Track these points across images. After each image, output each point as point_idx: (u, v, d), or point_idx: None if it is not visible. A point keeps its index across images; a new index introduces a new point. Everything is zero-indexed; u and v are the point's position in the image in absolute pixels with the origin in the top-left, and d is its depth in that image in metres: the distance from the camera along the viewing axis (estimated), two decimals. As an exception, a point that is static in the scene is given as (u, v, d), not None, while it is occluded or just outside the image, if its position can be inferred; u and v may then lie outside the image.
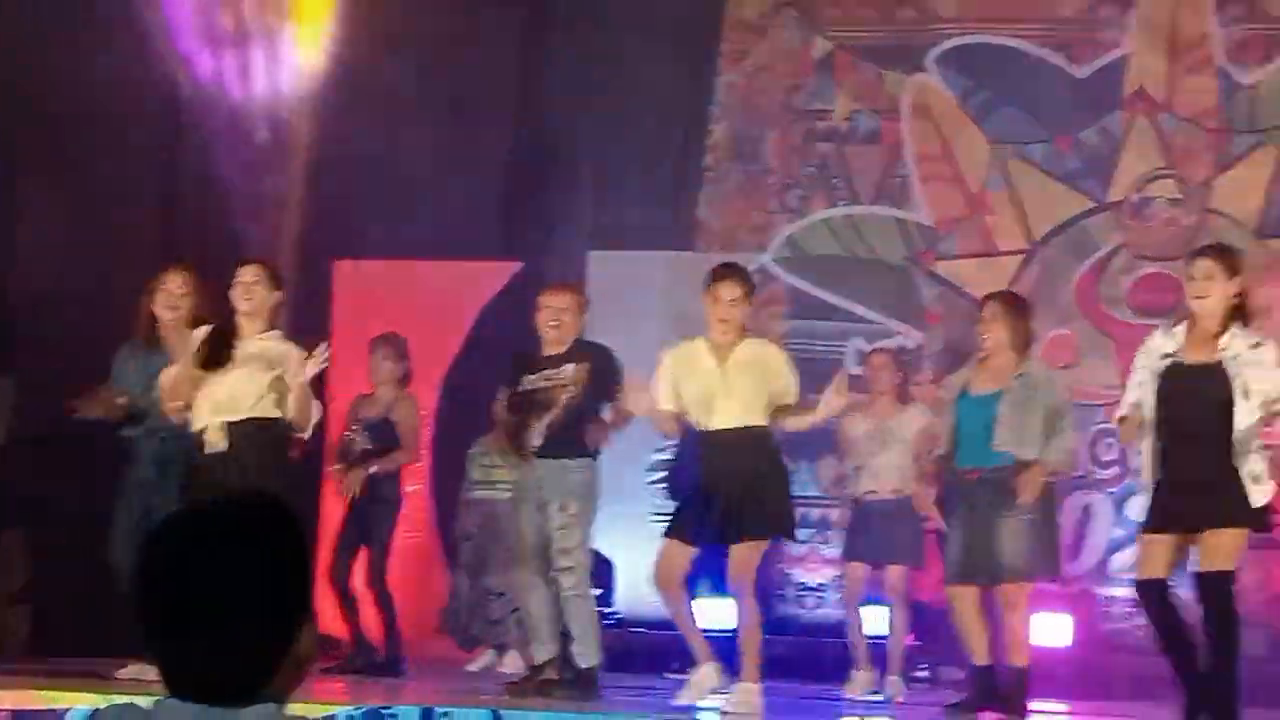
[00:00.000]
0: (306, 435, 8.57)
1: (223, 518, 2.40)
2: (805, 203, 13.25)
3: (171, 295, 8.71)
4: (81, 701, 6.53)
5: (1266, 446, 7.74)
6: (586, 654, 8.47)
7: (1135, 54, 12.87)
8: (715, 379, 8.19)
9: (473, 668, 10.73)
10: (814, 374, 11.12)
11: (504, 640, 10.72)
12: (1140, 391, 7.75)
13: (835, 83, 13.27)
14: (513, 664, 10.40)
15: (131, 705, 2.41)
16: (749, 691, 8.05)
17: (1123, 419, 7.92)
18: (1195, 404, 7.54)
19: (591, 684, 8.45)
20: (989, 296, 9.19)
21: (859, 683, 9.76)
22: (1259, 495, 7.46)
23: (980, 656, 8.64)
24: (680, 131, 13.37)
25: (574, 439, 8.52)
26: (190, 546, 2.36)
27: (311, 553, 2.46)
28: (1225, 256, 7.80)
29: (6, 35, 10.73)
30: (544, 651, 8.49)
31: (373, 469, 9.91)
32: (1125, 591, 11.69)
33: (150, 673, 7.97)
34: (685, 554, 8.28)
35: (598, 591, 12.02)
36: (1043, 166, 12.94)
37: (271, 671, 2.37)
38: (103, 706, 2.43)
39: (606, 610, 11.90)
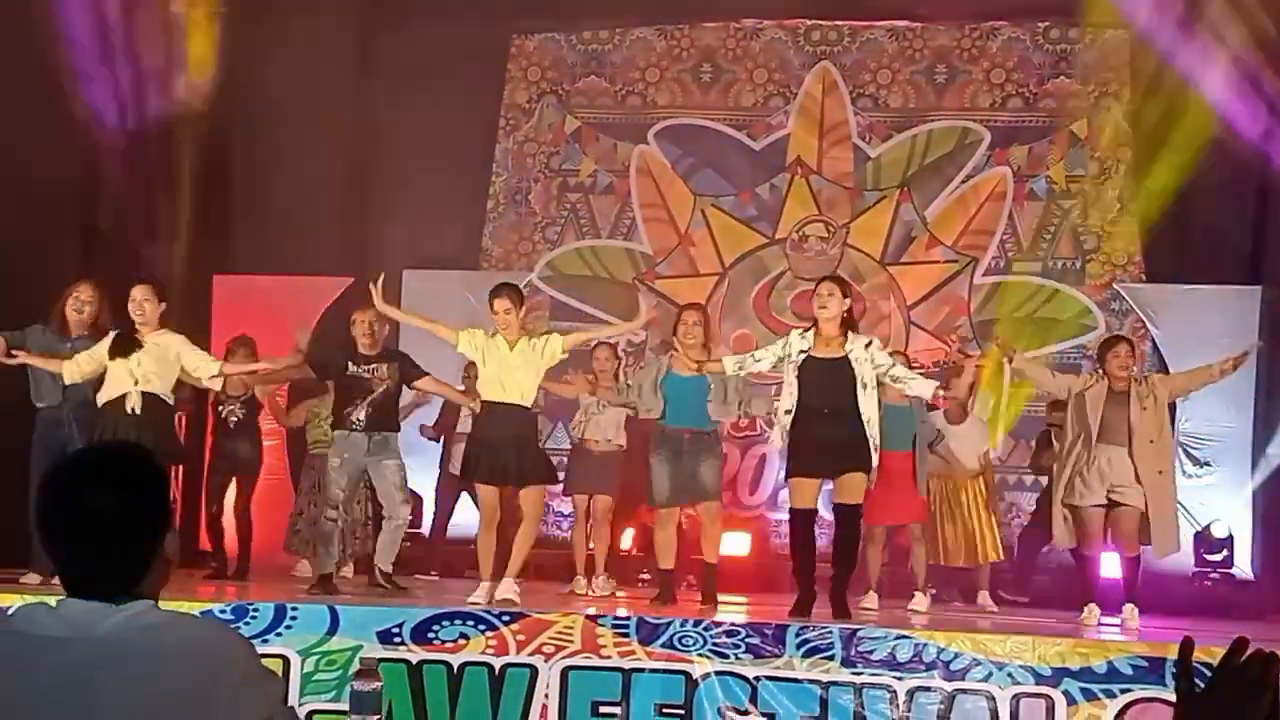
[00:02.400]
0: (214, 384, 8.71)
1: (100, 459, 2.39)
2: (560, 236, 13.28)
3: (79, 300, 8.58)
4: (16, 600, 6.37)
5: None
6: (387, 562, 8.66)
7: (795, 133, 13.08)
8: (506, 364, 8.19)
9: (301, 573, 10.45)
10: (569, 360, 11.21)
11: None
12: (768, 357, 8.01)
13: (582, 150, 13.31)
14: (347, 572, 10.28)
15: (43, 603, 2.38)
16: (509, 584, 8.08)
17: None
18: (826, 385, 7.73)
19: (394, 581, 8.54)
20: (692, 306, 9.28)
21: (579, 585, 9.66)
22: (874, 454, 7.72)
23: (668, 562, 8.78)
24: (471, 184, 13.33)
25: (389, 417, 8.57)
26: (77, 479, 2.35)
27: (168, 484, 2.44)
28: (841, 283, 8.01)
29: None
30: (328, 566, 8.56)
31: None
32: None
33: (35, 578, 7.89)
34: (497, 494, 8.28)
35: (410, 517, 11.98)
36: (731, 213, 13.09)
37: (143, 572, 2.36)
38: (20, 604, 2.39)
39: (416, 530, 11.81)
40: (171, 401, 8.48)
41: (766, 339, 12.38)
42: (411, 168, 12.72)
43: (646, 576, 10.75)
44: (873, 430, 7.71)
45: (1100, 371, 8.93)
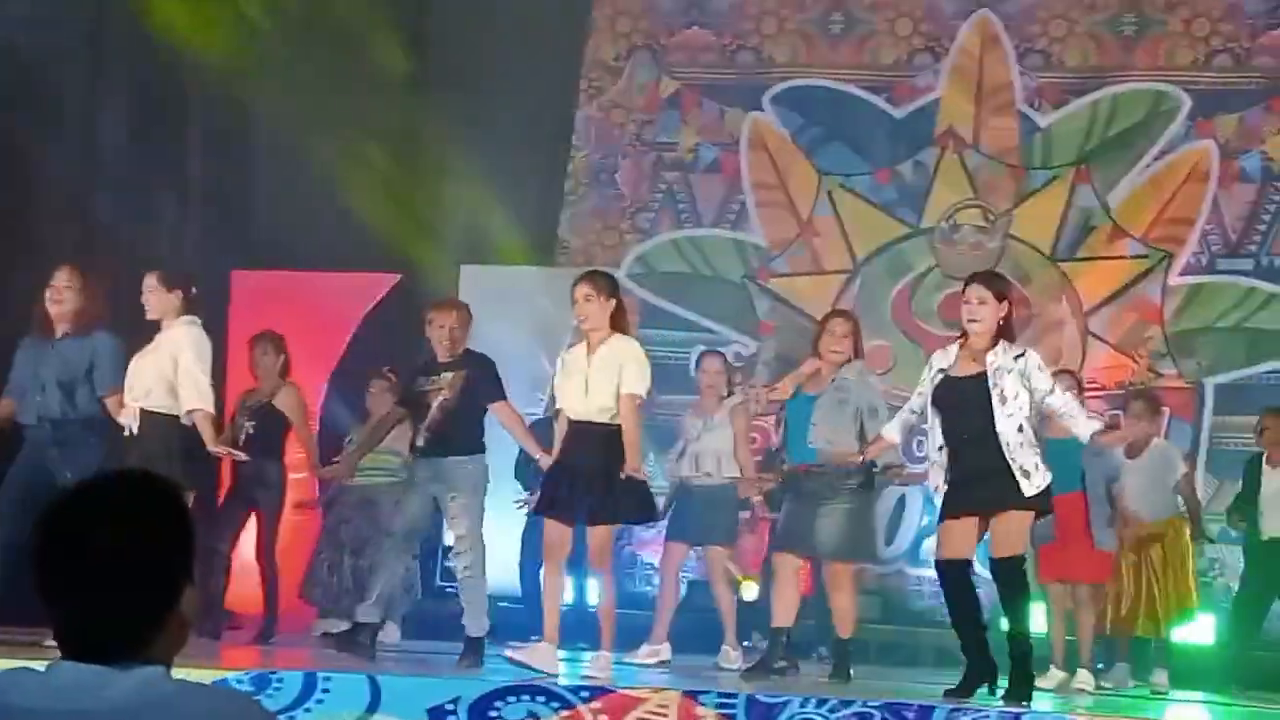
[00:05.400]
0: (201, 411, 8.60)
1: (112, 492, 2.39)
2: (654, 224, 13.30)
3: (57, 291, 8.66)
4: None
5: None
6: (475, 625, 8.51)
7: (946, 97, 13.02)
8: (582, 373, 8.18)
9: (325, 630, 10.25)
10: (661, 378, 11.20)
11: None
12: (920, 401, 7.94)
13: (681, 118, 13.33)
14: (390, 634, 10.32)
15: (27, 668, 2.38)
16: (605, 659, 8.13)
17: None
18: (964, 410, 7.69)
19: (478, 652, 8.47)
20: (839, 313, 9.38)
21: (642, 653, 9.45)
22: (1029, 488, 7.59)
23: (781, 620, 8.74)
24: (544, 159, 13.38)
25: (453, 437, 8.50)
26: (83, 517, 2.35)
27: (193, 526, 2.44)
28: (994, 284, 7.93)
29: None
30: (369, 614, 8.50)
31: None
32: (933, 573, 11.83)
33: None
34: (565, 532, 8.30)
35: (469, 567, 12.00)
36: (864, 195, 13.04)
37: (157, 633, 2.37)
38: (1, 670, 2.40)
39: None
40: (183, 414, 8.53)
41: (907, 352, 12.40)
42: (471, 141, 12.78)
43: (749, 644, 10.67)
44: (1016, 455, 7.61)
45: None
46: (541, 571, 8.52)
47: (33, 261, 9.26)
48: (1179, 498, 9.79)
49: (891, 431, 8.19)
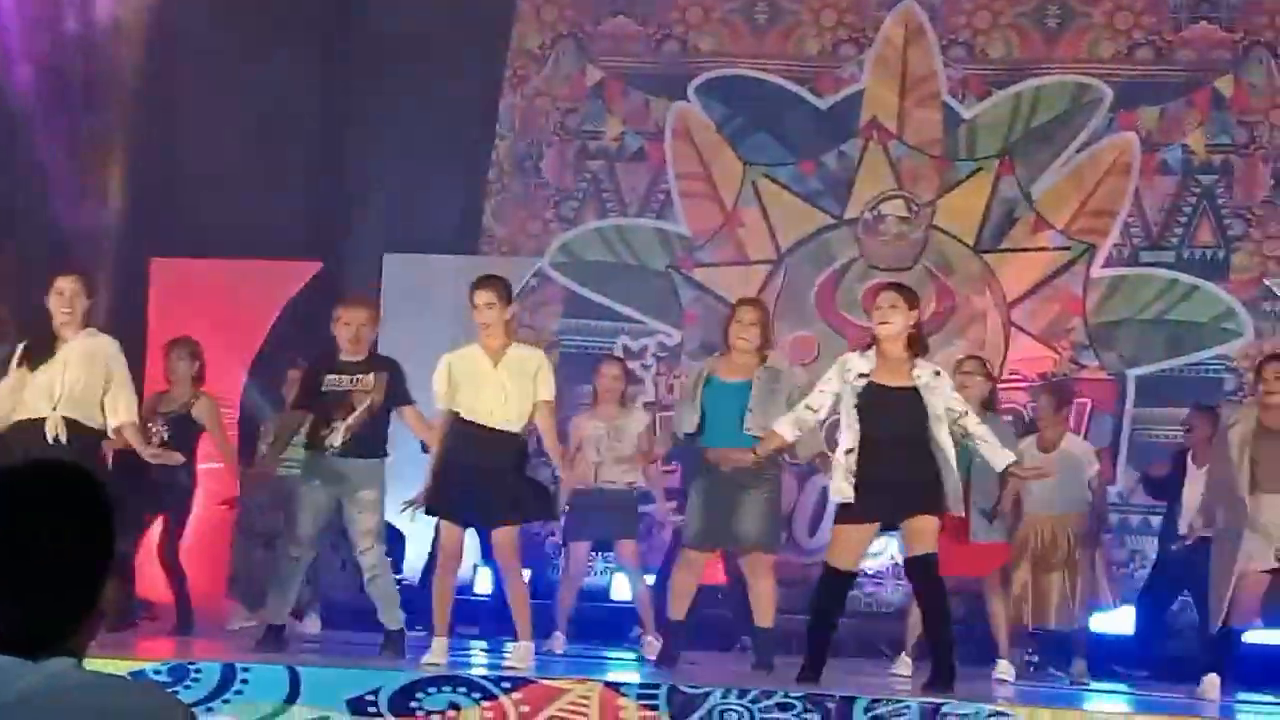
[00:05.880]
0: (130, 424, 8.56)
1: (30, 481, 2.37)
2: (579, 213, 13.28)
3: None
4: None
5: None
6: (390, 620, 8.69)
7: (870, 88, 13.06)
8: (492, 380, 8.20)
9: (234, 626, 10.27)
10: (585, 366, 11.26)
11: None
12: (825, 399, 7.98)
13: (606, 107, 13.33)
14: (312, 625, 10.34)
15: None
16: (524, 649, 8.16)
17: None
18: (894, 418, 7.77)
19: (399, 642, 8.62)
20: (748, 301, 9.38)
21: (556, 641, 9.62)
22: (952, 501, 7.79)
23: (677, 613, 8.85)
24: (468, 147, 13.35)
25: (371, 439, 8.60)
26: (3, 501, 2.33)
27: (114, 520, 2.42)
28: (906, 292, 8.05)
29: None
30: (279, 616, 8.71)
31: None
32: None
33: None
34: (459, 533, 8.36)
35: (389, 559, 12.02)
36: (789, 186, 13.07)
37: (77, 626, 2.35)
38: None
39: (398, 577, 11.83)
40: (101, 425, 8.48)
41: (831, 342, 12.44)
42: (395, 129, 12.75)
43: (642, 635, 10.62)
44: (952, 469, 7.83)
45: (1248, 398, 8.89)
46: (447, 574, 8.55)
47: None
48: (1089, 493, 9.84)
49: (785, 428, 8.13)
